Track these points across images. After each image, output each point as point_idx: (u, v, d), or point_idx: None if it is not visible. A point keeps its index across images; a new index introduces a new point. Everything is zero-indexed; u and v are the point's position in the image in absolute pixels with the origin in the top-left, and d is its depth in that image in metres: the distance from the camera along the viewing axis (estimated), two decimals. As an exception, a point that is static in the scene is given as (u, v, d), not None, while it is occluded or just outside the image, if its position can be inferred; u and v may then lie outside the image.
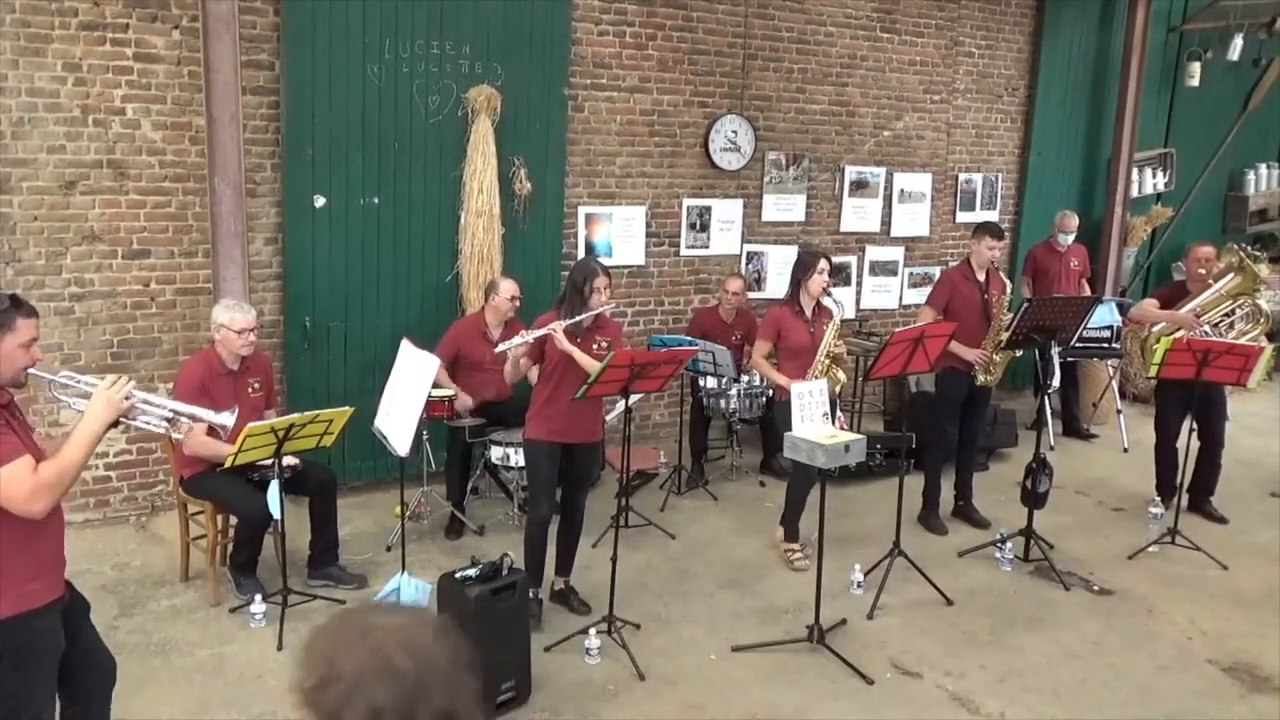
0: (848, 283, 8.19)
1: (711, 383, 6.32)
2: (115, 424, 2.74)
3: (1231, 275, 6.05)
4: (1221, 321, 6.05)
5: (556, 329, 4.39)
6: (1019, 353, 6.33)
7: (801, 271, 5.27)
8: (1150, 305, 6.27)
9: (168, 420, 2.89)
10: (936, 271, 8.04)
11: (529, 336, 4.46)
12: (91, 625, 3.02)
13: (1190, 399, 5.76)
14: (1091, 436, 7.97)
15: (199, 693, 4.04)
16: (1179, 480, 6.12)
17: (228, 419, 3.01)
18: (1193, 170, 9.88)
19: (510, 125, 6.35)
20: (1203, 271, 6.12)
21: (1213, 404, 5.98)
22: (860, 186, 8.12)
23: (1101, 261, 9.07)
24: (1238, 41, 9.08)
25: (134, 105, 5.50)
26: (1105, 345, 7.62)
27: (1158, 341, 5.75)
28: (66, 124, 5.36)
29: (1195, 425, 5.86)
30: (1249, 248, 6.52)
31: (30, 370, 2.72)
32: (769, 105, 7.56)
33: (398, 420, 3.71)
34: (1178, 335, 5.94)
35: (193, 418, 2.96)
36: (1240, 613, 4.95)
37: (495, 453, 5.55)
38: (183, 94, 5.58)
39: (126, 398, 2.69)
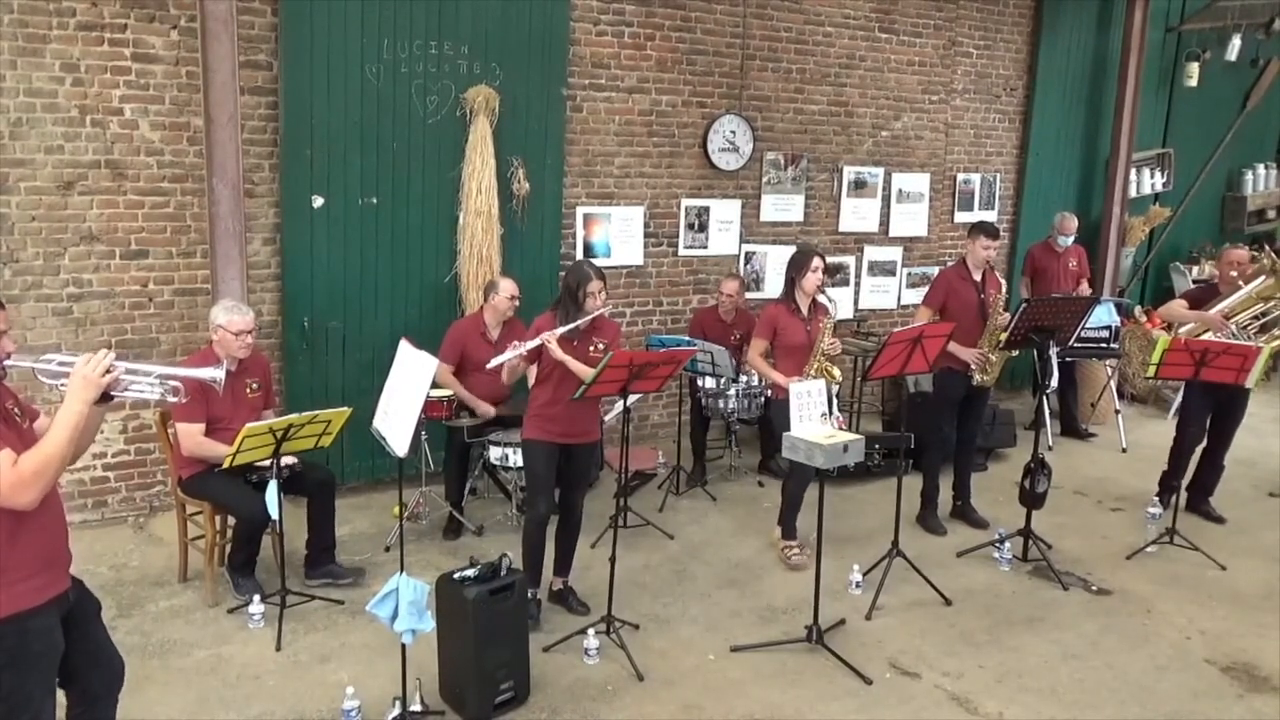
0: (846, 283, 8.21)
1: (710, 383, 6.32)
2: (108, 399, 2.66)
3: (1263, 278, 6.02)
4: (1250, 324, 6.02)
5: (550, 339, 4.39)
6: (1016, 352, 6.34)
7: (795, 270, 5.26)
8: (1179, 306, 6.24)
9: (160, 386, 2.79)
10: (935, 272, 8.04)
11: (523, 348, 4.47)
12: (102, 625, 3.00)
13: (1215, 401, 5.81)
14: (1090, 436, 7.98)
15: (197, 693, 4.04)
16: (1180, 481, 6.12)
17: (218, 373, 2.94)
18: (1191, 170, 9.90)
19: (509, 125, 6.35)
20: (1235, 274, 6.09)
21: (1235, 407, 5.98)
22: (859, 187, 8.13)
23: (1100, 261, 9.08)
24: (1236, 42, 9.11)
25: (132, 105, 5.50)
26: (1103, 345, 7.63)
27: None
28: (64, 124, 5.36)
29: (1210, 425, 5.87)
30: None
31: (7, 362, 2.71)
32: (767, 105, 7.57)
33: (396, 420, 3.70)
34: (1177, 335, 5.94)
35: (183, 380, 2.86)
36: (1239, 613, 4.96)
37: (494, 453, 5.54)
38: (181, 94, 5.58)
39: (107, 371, 2.60)
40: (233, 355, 4.77)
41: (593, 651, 4.32)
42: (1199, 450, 6.14)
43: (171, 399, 2.85)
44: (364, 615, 4.27)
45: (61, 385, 2.65)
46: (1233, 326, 5.96)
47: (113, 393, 2.67)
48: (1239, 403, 5.95)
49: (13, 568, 2.59)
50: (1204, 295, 6.26)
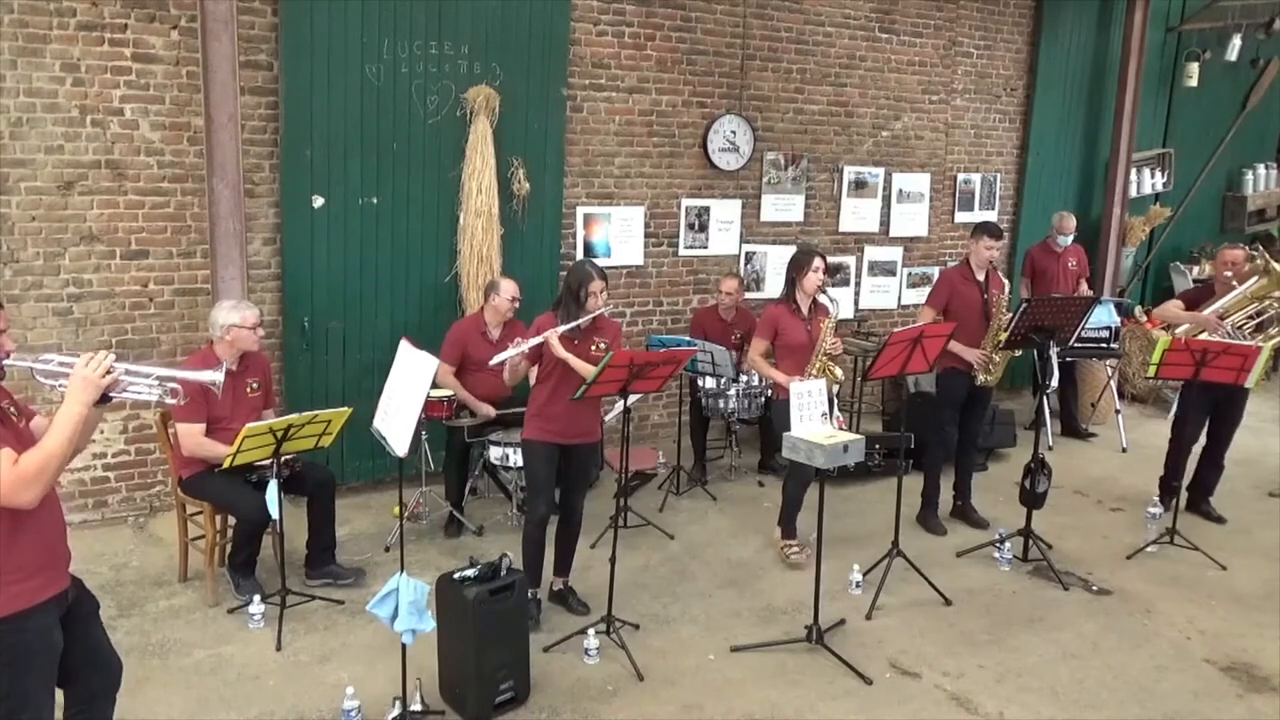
0: (846, 283, 8.20)
1: (710, 383, 6.32)
2: (106, 400, 2.66)
3: (1256, 278, 6.02)
4: (1246, 324, 6.02)
5: (551, 337, 4.40)
6: (1018, 352, 6.33)
7: (796, 270, 5.27)
8: (1174, 306, 6.24)
9: (159, 388, 2.80)
10: (935, 272, 8.04)
11: (524, 346, 4.48)
12: (100, 625, 3.00)
13: (1213, 401, 5.81)
14: (1090, 436, 7.98)
15: (197, 693, 4.04)
16: (1180, 480, 6.12)
17: (217, 376, 2.94)
18: (1191, 170, 9.90)
19: (509, 125, 6.35)
20: (1229, 274, 6.09)
21: (1234, 406, 5.98)
22: (859, 187, 8.12)
23: (1100, 261, 9.09)
24: (1236, 42, 9.11)
25: (132, 105, 5.50)
26: (1104, 345, 7.63)
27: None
28: (65, 124, 5.36)
29: (1208, 424, 5.88)
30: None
31: (6, 361, 2.72)
32: (767, 105, 7.57)
33: (396, 420, 3.70)
34: (1176, 335, 5.94)
35: (181, 382, 2.86)
36: (1238, 613, 4.96)
37: (494, 453, 5.54)
38: (181, 94, 5.58)
39: (107, 372, 2.61)
40: (246, 351, 4.82)
41: (593, 651, 4.32)
42: (1199, 450, 6.15)
43: (170, 401, 2.86)
44: (364, 615, 4.28)
45: (60, 386, 2.65)
46: (1228, 326, 5.97)
47: (111, 394, 2.67)
48: (1237, 402, 5.96)
49: (12, 568, 2.60)
50: (1200, 296, 6.27)
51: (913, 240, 8.52)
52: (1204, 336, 5.83)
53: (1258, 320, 6.03)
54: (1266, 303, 5.99)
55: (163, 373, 2.83)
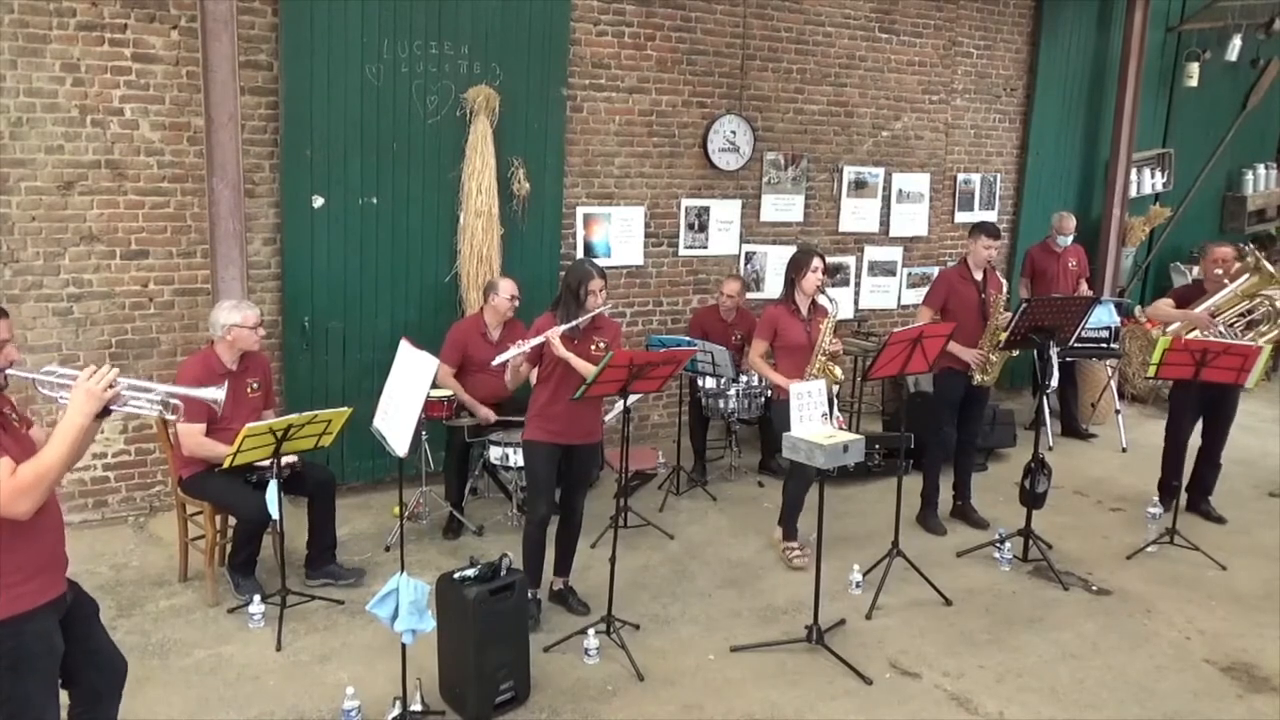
0: (846, 283, 8.21)
1: (710, 383, 6.32)
2: (106, 414, 2.66)
3: (1247, 275, 6.03)
4: (1237, 321, 6.03)
5: (552, 336, 4.40)
6: (1016, 352, 6.32)
7: (795, 270, 5.27)
8: (1166, 305, 6.25)
9: (160, 404, 2.82)
10: (935, 272, 8.03)
11: (526, 346, 4.49)
12: (100, 626, 3.01)
13: (1207, 399, 5.81)
14: (1090, 436, 7.98)
15: (197, 693, 4.04)
16: (1179, 480, 6.12)
17: (218, 394, 2.97)
18: (1191, 170, 9.90)
19: (509, 125, 6.35)
20: (1219, 272, 6.09)
21: (1226, 404, 5.98)
22: (859, 187, 8.12)
23: (1100, 261, 9.09)
24: (1236, 42, 9.12)
25: (132, 105, 5.50)
26: (1104, 345, 7.63)
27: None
28: (64, 124, 5.36)
29: (1202, 423, 5.87)
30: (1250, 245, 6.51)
31: (9, 371, 2.73)
32: (767, 105, 7.57)
33: (396, 420, 3.70)
34: (1174, 334, 5.94)
35: (183, 398, 2.89)
36: (1238, 613, 4.96)
37: (494, 453, 5.54)
38: (181, 94, 5.58)
39: (109, 386, 2.61)
40: (241, 352, 4.81)
41: (593, 651, 4.32)
42: (1195, 448, 6.14)
43: (170, 417, 2.89)
44: (364, 615, 4.28)
45: (62, 399, 2.66)
46: (1220, 324, 5.98)
47: (112, 407, 2.68)
48: (1230, 400, 5.96)
49: (10, 571, 2.60)
50: (1190, 294, 6.28)
51: (913, 240, 8.52)
52: (1196, 334, 5.84)
53: (1248, 318, 6.04)
54: (1257, 300, 5.99)
55: (165, 389, 2.85)
